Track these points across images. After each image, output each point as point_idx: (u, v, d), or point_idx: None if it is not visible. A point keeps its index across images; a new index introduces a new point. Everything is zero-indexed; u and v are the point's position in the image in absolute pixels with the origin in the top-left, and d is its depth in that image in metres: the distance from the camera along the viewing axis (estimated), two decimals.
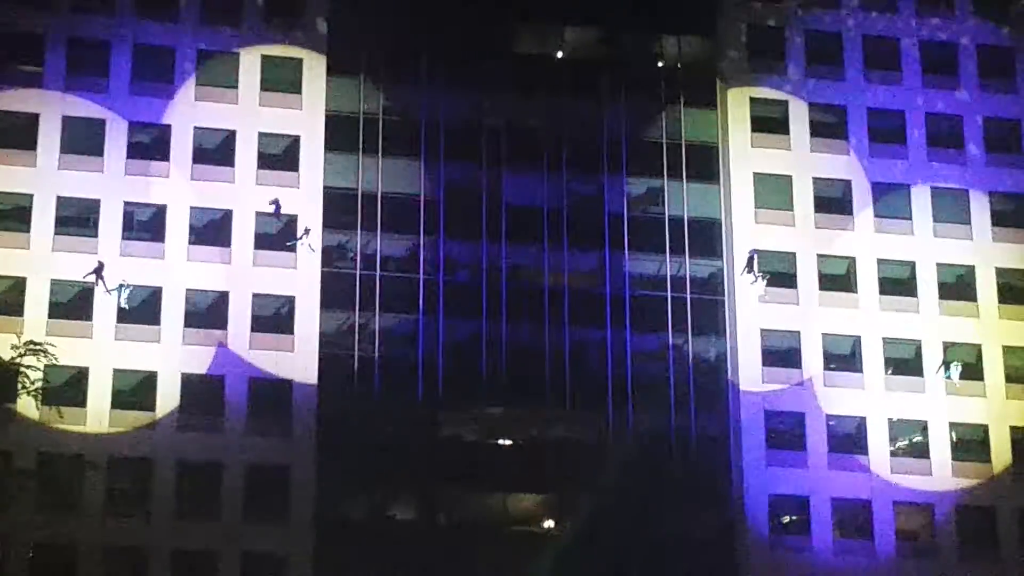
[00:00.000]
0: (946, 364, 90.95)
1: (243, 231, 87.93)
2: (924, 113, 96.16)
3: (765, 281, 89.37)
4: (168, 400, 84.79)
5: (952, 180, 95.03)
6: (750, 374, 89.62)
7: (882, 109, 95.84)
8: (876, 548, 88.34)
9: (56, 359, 62.86)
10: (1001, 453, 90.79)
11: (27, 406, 69.54)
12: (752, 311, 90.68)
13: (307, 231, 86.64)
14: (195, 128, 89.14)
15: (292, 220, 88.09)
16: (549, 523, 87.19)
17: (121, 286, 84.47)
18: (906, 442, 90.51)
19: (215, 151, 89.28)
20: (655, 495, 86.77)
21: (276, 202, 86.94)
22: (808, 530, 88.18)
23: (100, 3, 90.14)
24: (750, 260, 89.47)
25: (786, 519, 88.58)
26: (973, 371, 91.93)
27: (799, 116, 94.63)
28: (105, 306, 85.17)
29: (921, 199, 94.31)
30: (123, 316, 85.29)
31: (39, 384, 58.26)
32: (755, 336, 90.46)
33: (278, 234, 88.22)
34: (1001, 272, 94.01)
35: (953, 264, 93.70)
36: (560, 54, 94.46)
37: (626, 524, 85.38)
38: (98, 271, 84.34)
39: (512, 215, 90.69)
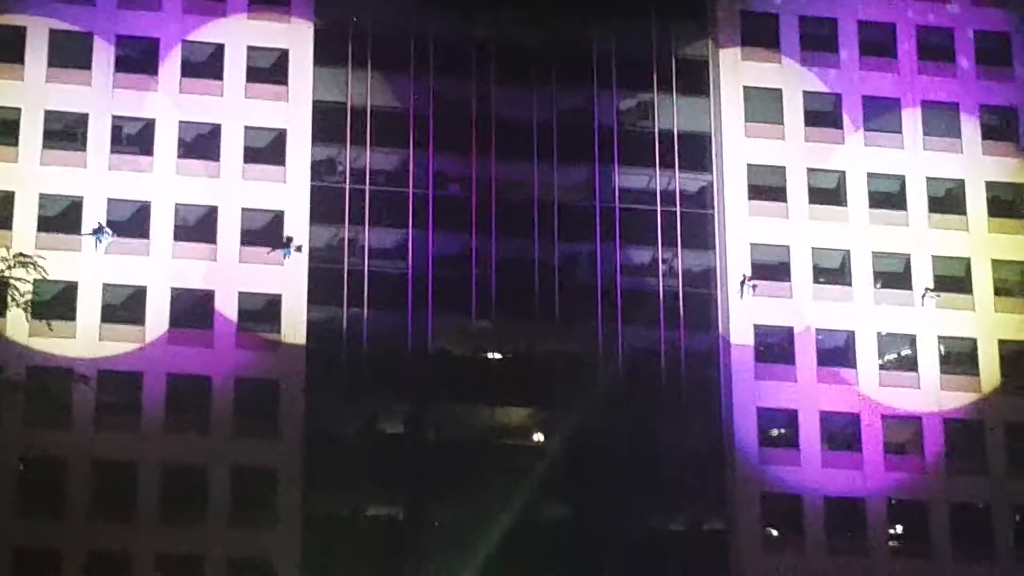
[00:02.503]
0: (929, 290, 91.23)
1: (232, 145, 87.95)
2: (915, 26, 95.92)
3: (754, 288, 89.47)
4: (158, 315, 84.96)
5: (942, 94, 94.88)
6: (740, 288, 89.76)
7: (872, 22, 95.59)
8: (863, 460, 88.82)
9: (46, 272, 62.98)
10: (989, 367, 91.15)
11: (16, 320, 69.56)
12: (742, 225, 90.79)
13: (290, 239, 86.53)
14: (183, 41, 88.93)
15: (282, 134, 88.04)
16: (539, 436, 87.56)
17: (99, 231, 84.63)
18: (894, 356, 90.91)
19: (204, 65, 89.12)
20: (645, 408, 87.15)
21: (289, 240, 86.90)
22: (796, 443, 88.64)
23: None
24: (742, 283, 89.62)
25: (775, 432, 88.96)
26: (962, 284, 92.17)
27: (790, 29, 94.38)
28: (94, 221, 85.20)
29: (911, 113, 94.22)
30: (113, 230, 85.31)
31: (29, 297, 58.29)
32: (745, 250, 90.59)
33: (267, 147, 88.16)
34: (991, 186, 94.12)
35: (943, 178, 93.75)
36: None
37: (616, 438, 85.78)
38: (96, 232, 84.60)
39: (502, 129, 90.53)
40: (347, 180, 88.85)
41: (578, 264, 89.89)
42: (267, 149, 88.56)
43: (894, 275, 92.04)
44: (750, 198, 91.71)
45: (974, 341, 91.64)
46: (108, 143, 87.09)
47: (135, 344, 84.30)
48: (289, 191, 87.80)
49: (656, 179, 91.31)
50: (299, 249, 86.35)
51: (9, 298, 55.41)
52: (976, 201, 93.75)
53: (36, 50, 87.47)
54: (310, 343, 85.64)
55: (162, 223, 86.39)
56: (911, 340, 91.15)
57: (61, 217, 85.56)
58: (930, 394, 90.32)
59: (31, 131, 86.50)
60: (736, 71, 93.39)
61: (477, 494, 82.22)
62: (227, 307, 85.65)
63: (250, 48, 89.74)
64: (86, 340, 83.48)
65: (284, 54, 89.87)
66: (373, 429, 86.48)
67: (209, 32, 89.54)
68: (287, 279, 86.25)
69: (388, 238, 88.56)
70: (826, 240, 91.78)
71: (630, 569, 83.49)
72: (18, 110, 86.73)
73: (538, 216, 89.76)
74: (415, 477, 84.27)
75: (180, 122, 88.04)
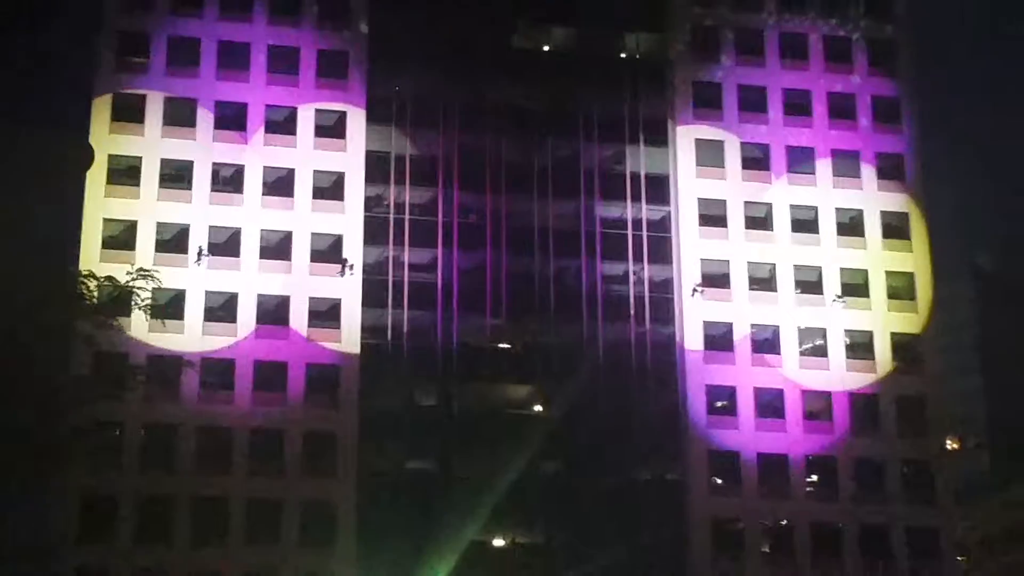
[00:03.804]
0: (837, 296, 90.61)
1: (303, 185, 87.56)
2: (826, 92, 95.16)
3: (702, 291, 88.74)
4: (247, 315, 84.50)
5: (847, 145, 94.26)
6: (692, 293, 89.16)
7: (793, 89, 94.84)
8: (787, 425, 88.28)
9: (161, 282, 62.28)
10: (883, 354, 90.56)
11: (138, 320, 69.09)
12: (693, 245, 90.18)
13: (346, 260, 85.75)
14: (266, 106, 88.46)
15: (341, 176, 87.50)
16: (538, 407, 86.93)
17: (200, 253, 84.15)
18: (810, 345, 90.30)
19: (282, 124, 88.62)
20: (619, 386, 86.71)
21: (346, 262, 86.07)
22: (735, 412, 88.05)
23: (193, 7, 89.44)
24: (693, 290, 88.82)
25: (719, 404, 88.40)
26: (862, 290, 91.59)
27: (730, 95, 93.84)
28: (197, 244, 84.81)
29: (823, 159, 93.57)
30: (212, 250, 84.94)
31: (148, 302, 57.70)
32: (696, 264, 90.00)
33: (330, 187, 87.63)
34: (884, 214, 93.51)
35: (847, 208, 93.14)
36: (547, 48, 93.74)
37: (597, 407, 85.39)
38: (199, 252, 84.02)
39: (510, 172, 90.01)
40: (391, 211, 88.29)
41: (568, 275, 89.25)
42: (330, 188, 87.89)
43: (810, 283, 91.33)
44: (700, 224, 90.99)
45: (871, 334, 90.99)
46: (208, 184, 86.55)
47: (230, 338, 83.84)
48: (347, 220, 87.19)
49: (628, 210, 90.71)
50: (351, 268, 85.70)
51: (133, 303, 54.65)
52: (873, 227, 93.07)
53: (153, 113, 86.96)
54: (363, 337, 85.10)
55: (250, 245, 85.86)
56: (823, 333, 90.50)
57: (172, 241, 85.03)
58: (838, 374, 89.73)
59: (150, 175, 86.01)
60: (688, 125, 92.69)
61: (491, 452, 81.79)
62: (299, 310, 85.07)
63: (317, 111, 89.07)
64: (192, 335, 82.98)
65: (343, 115, 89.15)
66: (411, 402, 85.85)
67: (286, 98, 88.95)
68: (346, 288, 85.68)
69: (423, 256, 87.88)
70: (758, 256, 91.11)
71: (608, 509, 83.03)
72: (140, 158, 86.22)
73: (538, 238, 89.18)
74: (444, 439, 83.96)
75: (264, 167, 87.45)
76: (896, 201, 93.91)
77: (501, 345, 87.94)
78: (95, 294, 47.77)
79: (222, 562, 78.98)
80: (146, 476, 79.97)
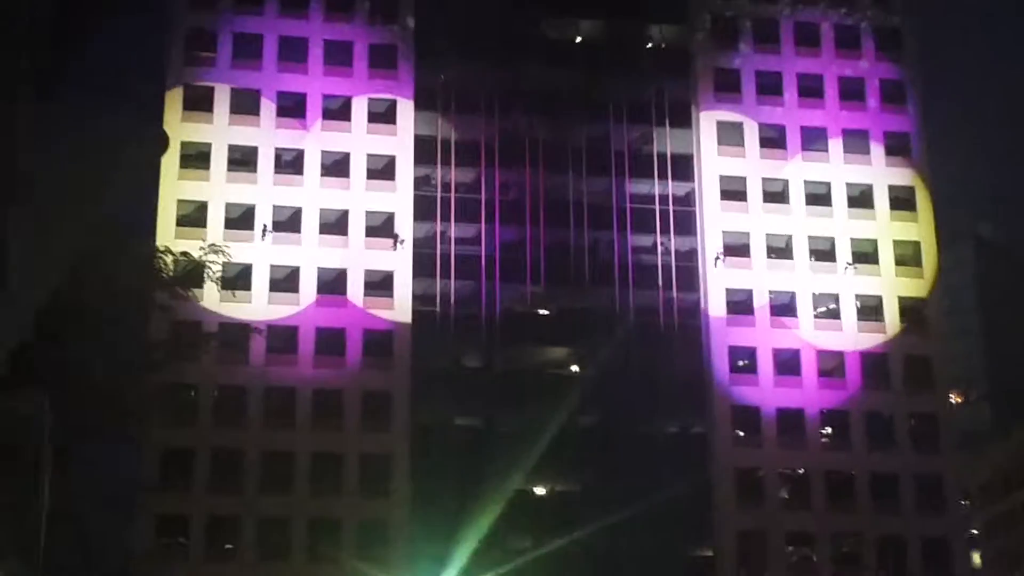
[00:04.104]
0: (848, 263, 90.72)
1: (358, 167, 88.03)
2: (837, 76, 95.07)
3: (724, 260, 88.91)
4: (308, 286, 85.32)
5: (857, 125, 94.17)
6: (715, 262, 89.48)
7: (807, 73, 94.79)
8: (803, 383, 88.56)
9: (230, 257, 63.08)
10: (892, 316, 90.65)
11: (210, 291, 70.06)
12: (715, 218, 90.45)
13: (401, 239, 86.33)
14: (323, 95, 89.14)
15: (393, 159, 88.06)
16: (575, 367, 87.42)
17: (265, 230, 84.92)
18: (824, 309, 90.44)
19: (338, 111, 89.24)
20: (648, 347, 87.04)
21: (398, 237, 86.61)
22: (756, 371, 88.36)
23: (254, 5, 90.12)
24: (716, 259, 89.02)
25: (740, 363, 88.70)
26: (872, 258, 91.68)
27: (748, 80, 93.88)
28: (263, 222, 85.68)
29: (834, 138, 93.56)
30: (275, 227, 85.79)
31: (219, 275, 58.48)
32: (718, 235, 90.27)
33: (382, 168, 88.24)
34: (892, 188, 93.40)
35: (857, 183, 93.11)
36: (578, 39, 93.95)
37: (628, 367, 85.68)
38: (264, 229, 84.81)
39: (547, 152, 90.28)
40: (438, 190, 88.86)
41: (601, 247, 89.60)
42: (382, 170, 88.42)
43: (824, 252, 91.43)
44: (721, 199, 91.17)
45: (880, 298, 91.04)
46: (272, 167, 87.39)
47: (293, 307, 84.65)
48: (398, 199, 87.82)
49: (655, 187, 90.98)
50: (402, 242, 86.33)
51: (205, 276, 55.41)
52: (881, 200, 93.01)
53: (221, 103, 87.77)
54: (414, 305, 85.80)
55: (310, 222, 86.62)
56: (836, 298, 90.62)
57: (240, 219, 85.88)
58: (850, 335, 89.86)
59: (218, 159, 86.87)
60: (710, 108, 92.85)
61: (531, 409, 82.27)
62: (356, 281, 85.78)
63: (369, 99, 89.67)
64: (259, 305, 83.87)
65: (393, 103, 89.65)
66: (459, 364, 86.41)
67: (341, 88, 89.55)
68: (398, 261, 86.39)
69: (468, 230, 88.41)
70: (775, 228, 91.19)
71: (639, 460, 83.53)
72: (209, 145, 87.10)
73: (573, 213, 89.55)
74: (488, 398, 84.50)
75: (322, 151, 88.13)
76: (903, 176, 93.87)
77: (540, 311, 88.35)
78: (171, 268, 48.70)
79: (288, 508, 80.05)
80: (219, 432, 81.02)
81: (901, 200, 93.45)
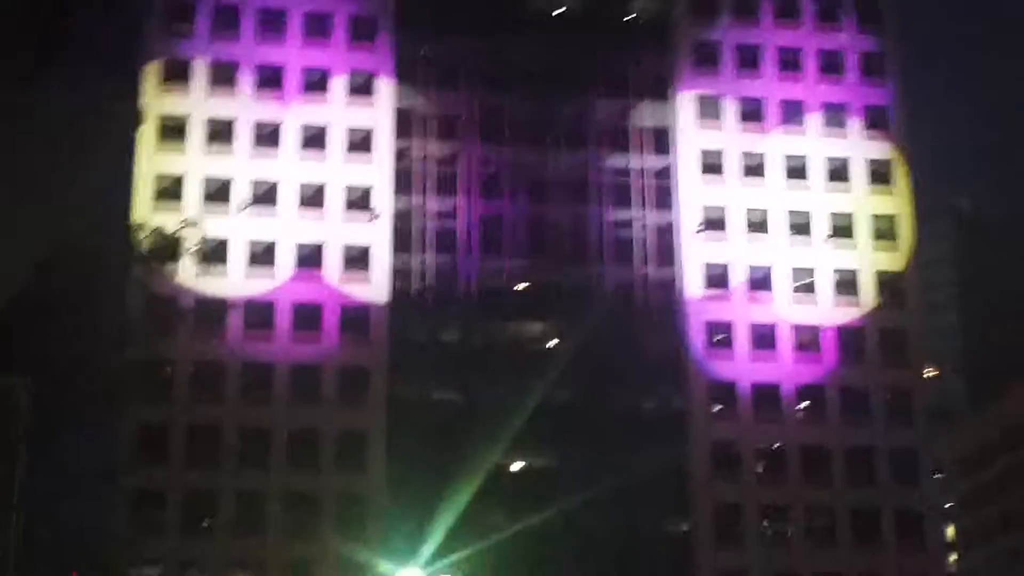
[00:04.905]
0: (825, 239, 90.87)
1: (336, 140, 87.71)
2: (816, 49, 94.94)
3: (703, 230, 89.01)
4: (285, 261, 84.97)
5: (835, 98, 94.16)
6: (692, 236, 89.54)
7: (786, 47, 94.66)
8: (779, 357, 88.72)
9: (206, 231, 62.92)
10: (868, 291, 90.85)
11: (187, 265, 69.78)
12: (694, 192, 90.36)
13: (376, 213, 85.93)
14: (302, 68, 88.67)
15: (370, 132, 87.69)
16: (553, 342, 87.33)
17: (241, 205, 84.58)
18: (801, 283, 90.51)
19: (316, 83, 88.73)
20: (626, 322, 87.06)
21: (374, 211, 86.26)
22: (732, 345, 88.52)
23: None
24: (698, 229, 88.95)
25: (717, 337, 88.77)
26: (849, 232, 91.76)
27: (728, 53, 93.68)
28: (240, 195, 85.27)
29: (813, 112, 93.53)
30: (253, 201, 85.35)
31: (195, 249, 58.21)
32: (696, 210, 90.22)
33: (360, 141, 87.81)
34: (870, 162, 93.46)
35: (835, 157, 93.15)
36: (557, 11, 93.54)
37: (606, 342, 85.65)
38: (241, 205, 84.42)
39: (525, 126, 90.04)
40: (417, 164, 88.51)
41: (579, 221, 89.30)
42: (360, 143, 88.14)
43: (801, 226, 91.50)
44: (702, 172, 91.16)
45: (857, 272, 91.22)
46: (250, 140, 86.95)
47: (270, 281, 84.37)
48: (376, 172, 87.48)
49: (633, 160, 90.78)
50: (378, 216, 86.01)
51: (181, 250, 55.17)
52: (858, 173, 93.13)
53: (199, 76, 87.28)
54: (392, 280, 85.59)
55: (287, 197, 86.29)
56: (813, 272, 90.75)
57: (217, 193, 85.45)
58: (826, 310, 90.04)
59: (196, 132, 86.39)
60: (689, 82, 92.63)
61: (509, 384, 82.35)
62: (333, 256, 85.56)
63: (349, 71, 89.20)
64: (236, 279, 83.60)
65: (372, 76, 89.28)
66: (436, 338, 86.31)
67: (320, 60, 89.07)
68: (376, 235, 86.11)
69: (446, 204, 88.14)
70: (753, 202, 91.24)
71: (616, 435, 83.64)
72: (187, 118, 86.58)
73: (551, 187, 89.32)
74: (466, 373, 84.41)
75: (300, 125, 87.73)
76: (880, 149, 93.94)
77: (518, 286, 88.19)
78: (146, 243, 48.36)
79: (265, 484, 79.93)
80: (196, 408, 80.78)
81: (879, 174, 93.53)
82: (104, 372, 41.29)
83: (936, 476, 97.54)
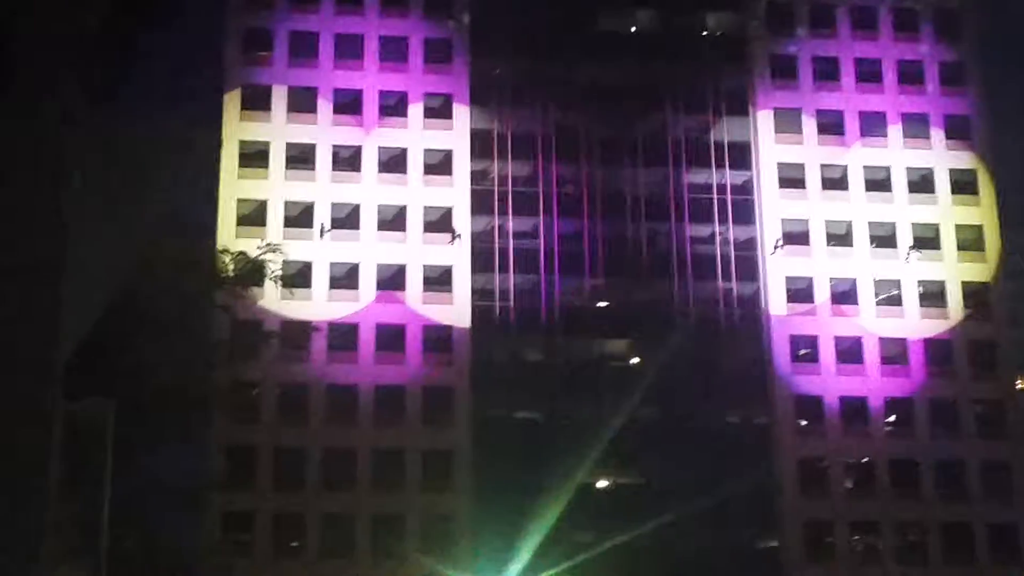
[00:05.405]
0: (910, 250, 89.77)
1: (415, 162, 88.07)
2: (895, 60, 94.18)
3: (782, 246, 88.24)
4: (368, 283, 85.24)
5: (916, 108, 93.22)
6: (773, 251, 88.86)
7: (864, 58, 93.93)
8: (865, 370, 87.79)
9: (286, 255, 63.22)
10: (955, 302, 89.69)
11: (271, 289, 70.28)
12: (774, 206, 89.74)
13: (457, 234, 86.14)
14: (379, 92, 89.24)
15: (449, 153, 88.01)
16: (636, 360, 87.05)
17: (323, 229, 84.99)
18: (886, 295, 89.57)
19: (394, 107, 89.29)
20: (709, 338, 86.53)
21: (455, 232, 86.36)
22: (817, 359, 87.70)
23: (310, 3, 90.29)
24: (775, 246, 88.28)
25: (802, 352, 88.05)
26: (934, 243, 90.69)
27: (805, 65, 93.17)
28: (321, 219, 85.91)
29: (894, 123, 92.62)
30: (334, 224, 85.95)
31: (278, 273, 58.64)
32: (777, 224, 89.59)
33: (439, 163, 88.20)
34: (952, 172, 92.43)
35: (918, 167, 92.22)
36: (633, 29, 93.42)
37: (690, 358, 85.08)
38: (322, 228, 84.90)
39: (602, 144, 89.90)
40: (496, 184, 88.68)
41: (659, 238, 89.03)
42: (439, 165, 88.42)
43: (885, 238, 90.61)
44: (780, 187, 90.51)
45: (943, 283, 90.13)
46: (329, 164, 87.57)
47: (353, 304, 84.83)
48: (455, 194, 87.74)
49: (713, 176, 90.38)
50: (459, 236, 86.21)
51: (265, 274, 55.54)
52: (942, 184, 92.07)
53: (278, 102, 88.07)
54: (473, 300, 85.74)
55: (368, 219, 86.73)
56: (898, 284, 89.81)
57: (299, 217, 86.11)
58: (912, 322, 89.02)
59: (277, 157, 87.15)
60: (767, 96, 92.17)
61: (593, 402, 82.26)
62: (415, 277, 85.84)
63: (425, 94, 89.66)
64: (319, 302, 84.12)
65: (449, 98, 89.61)
66: (519, 358, 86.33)
67: (397, 84, 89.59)
68: (456, 256, 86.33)
69: (526, 224, 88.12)
70: (835, 215, 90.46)
71: (701, 452, 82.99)
72: (267, 144, 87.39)
73: (630, 205, 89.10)
74: (550, 391, 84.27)
75: (379, 148, 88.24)
76: (963, 159, 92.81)
77: (599, 304, 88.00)
78: (231, 268, 48.81)
79: (351, 505, 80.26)
80: (282, 430, 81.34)
81: (962, 184, 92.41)
82: (192, 395, 41.66)
83: None
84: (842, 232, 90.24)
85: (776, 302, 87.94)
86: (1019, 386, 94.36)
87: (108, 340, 31.12)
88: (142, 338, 37.36)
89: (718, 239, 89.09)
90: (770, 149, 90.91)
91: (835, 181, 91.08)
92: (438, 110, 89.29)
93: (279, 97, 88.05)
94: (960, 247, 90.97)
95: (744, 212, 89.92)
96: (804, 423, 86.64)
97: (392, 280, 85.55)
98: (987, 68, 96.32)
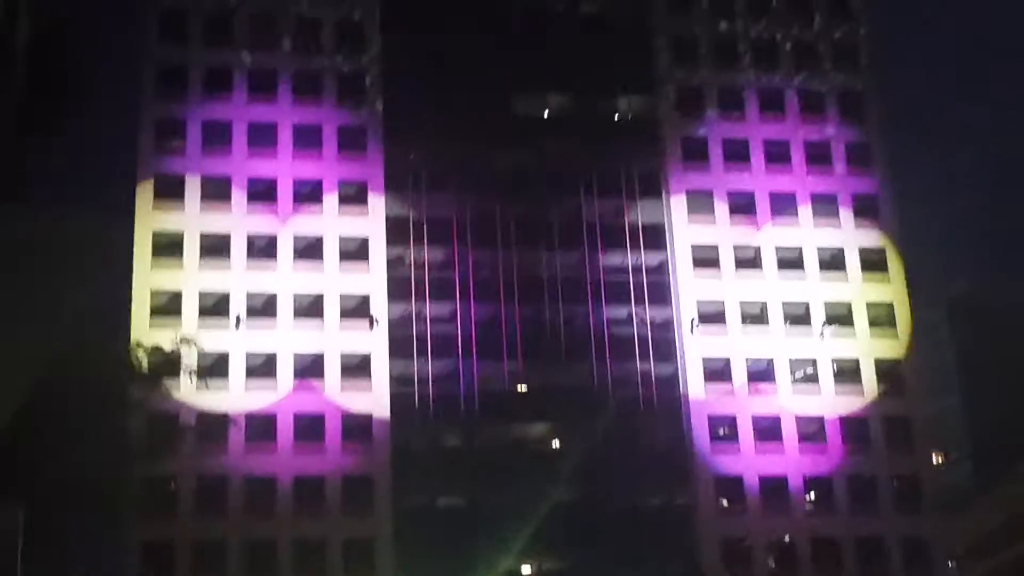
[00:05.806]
0: (824, 326, 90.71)
1: (331, 250, 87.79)
2: (803, 141, 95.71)
3: (698, 326, 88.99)
4: (285, 372, 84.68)
5: (824, 189, 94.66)
6: (690, 332, 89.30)
7: (773, 140, 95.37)
8: (784, 448, 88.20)
9: (201, 348, 62.61)
10: (869, 378, 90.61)
11: (185, 382, 69.41)
12: (690, 285, 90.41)
13: (376, 320, 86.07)
14: (293, 180, 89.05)
15: (365, 240, 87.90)
16: (556, 443, 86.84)
17: (238, 320, 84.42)
18: (802, 374, 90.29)
19: (308, 194, 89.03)
20: (628, 420, 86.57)
21: (373, 319, 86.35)
22: (736, 438, 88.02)
23: (223, 91, 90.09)
24: (691, 324, 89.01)
25: (721, 431, 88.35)
26: (846, 321, 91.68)
27: (716, 147, 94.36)
28: (237, 309, 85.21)
29: (803, 203, 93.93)
30: (250, 313, 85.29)
31: (193, 367, 58.06)
32: (692, 304, 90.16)
33: (355, 250, 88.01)
34: (862, 251, 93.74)
35: (828, 247, 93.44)
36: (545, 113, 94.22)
37: (609, 441, 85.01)
38: (237, 319, 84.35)
39: (518, 229, 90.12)
40: (412, 270, 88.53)
41: (576, 320, 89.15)
42: (356, 251, 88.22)
43: (798, 316, 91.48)
44: (694, 267, 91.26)
45: (857, 361, 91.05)
46: (245, 253, 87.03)
47: (271, 393, 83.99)
48: (373, 280, 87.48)
49: (628, 258, 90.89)
50: (377, 323, 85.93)
51: (180, 368, 55.01)
52: (852, 262, 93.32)
53: (192, 191, 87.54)
54: (392, 386, 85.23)
55: (285, 307, 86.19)
56: (813, 362, 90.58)
57: (214, 307, 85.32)
58: (829, 399, 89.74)
59: (191, 247, 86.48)
60: (679, 178, 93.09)
61: (514, 487, 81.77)
62: (333, 364, 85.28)
63: (340, 181, 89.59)
64: (236, 393, 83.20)
65: (364, 185, 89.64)
66: (439, 444, 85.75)
67: (311, 172, 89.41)
68: (375, 343, 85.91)
69: (443, 309, 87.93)
70: (749, 294, 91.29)
71: (624, 534, 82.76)
72: (181, 234, 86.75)
73: (547, 288, 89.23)
74: (470, 477, 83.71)
75: (294, 236, 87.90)
76: (872, 238, 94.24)
77: (518, 387, 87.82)
78: (144, 362, 48.21)
79: None
80: (200, 523, 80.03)
81: (872, 262, 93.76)
82: (109, 493, 40.90)
83: (950, 564, 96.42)
84: (757, 312, 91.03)
85: (694, 382, 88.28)
86: (934, 461, 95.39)
87: (21, 442, 30.56)
88: (56, 438, 36.70)
89: (635, 321, 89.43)
90: (684, 230, 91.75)
91: (748, 261, 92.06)
92: (353, 197, 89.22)
93: (193, 186, 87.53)
94: (872, 324, 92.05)
95: (660, 293, 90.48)
96: (725, 503, 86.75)
97: (310, 368, 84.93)
98: (892, 148, 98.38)
